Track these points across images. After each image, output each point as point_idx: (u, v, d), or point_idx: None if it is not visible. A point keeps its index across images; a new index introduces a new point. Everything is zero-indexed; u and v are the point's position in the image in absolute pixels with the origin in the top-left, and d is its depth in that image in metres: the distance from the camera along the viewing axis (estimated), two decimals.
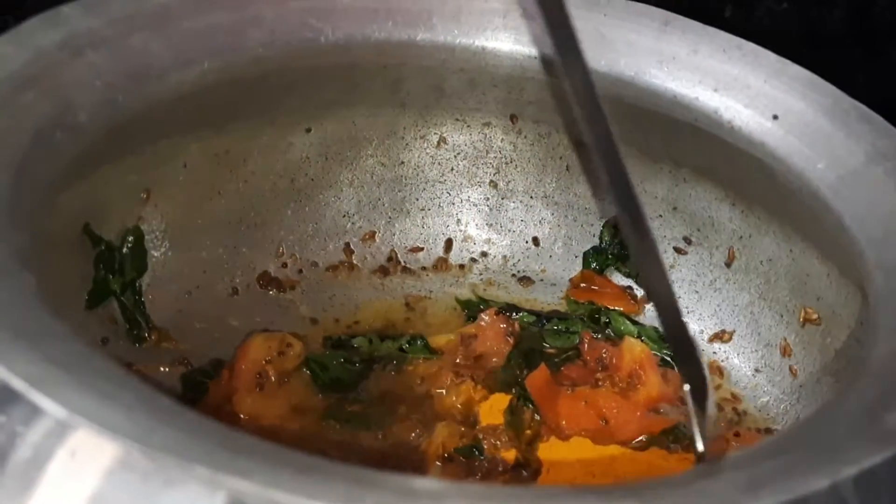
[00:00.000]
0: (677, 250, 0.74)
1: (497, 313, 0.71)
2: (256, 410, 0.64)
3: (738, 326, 0.72)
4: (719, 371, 0.71)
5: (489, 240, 0.77)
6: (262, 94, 0.68)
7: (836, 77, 0.67)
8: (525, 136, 0.76)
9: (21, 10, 0.62)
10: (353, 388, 0.67)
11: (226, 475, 0.38)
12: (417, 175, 0.76)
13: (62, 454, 0.40)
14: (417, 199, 0.77)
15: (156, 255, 0.67)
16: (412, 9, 0.70)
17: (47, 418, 0.40)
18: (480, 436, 0.65)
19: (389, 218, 0.76)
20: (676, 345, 0.57)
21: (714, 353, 0.72)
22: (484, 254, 0.77)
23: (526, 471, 0.64)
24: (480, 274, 0.76)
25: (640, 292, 0.75)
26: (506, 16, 0.71)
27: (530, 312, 0.73)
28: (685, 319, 0.56)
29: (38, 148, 0.53)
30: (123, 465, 0.40)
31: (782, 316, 0.69)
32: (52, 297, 0.46)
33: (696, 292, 0.73)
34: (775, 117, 0.66)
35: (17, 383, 0.40)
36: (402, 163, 0.76)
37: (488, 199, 0.77)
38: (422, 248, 0.77)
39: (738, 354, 0.72)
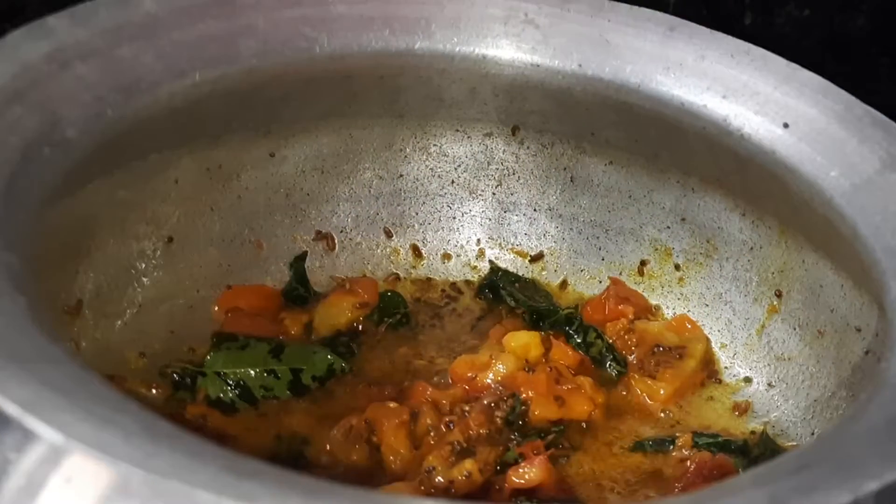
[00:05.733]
0: (676, 266, 0.74)
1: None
2: None
3: (749, 339, 0.71)
4: (729, 386, 0.70)
5: (491, 254, 0.76)
6: (255, 106, 0.67)
7: (860, 86, 0.66)
8: (527, 147, 0.75)
9: (22, 16, 0.62)
10: None
11: (230, 500, 0.38)
12: (417, 188, 0.76)
13: (57, 481, 0.40)
14: (417, 214, 0.76)
15: (147, 276, 0.66)
16: (410, 16, 0.69)
17: (41, 444, 0.40)
18: None
19: (388, 233, 0.75)
20: None
21: (726, 367, 0.71)
22: (486, 268, 0.76)
23: None
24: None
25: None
26: (506, 22, 0.70)
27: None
28: None
29: (25, 165, 0.53)
30: (121, 492, 0.39)
31: (795, 329, 0.68)
32: (43, 319, 0.46)
33: (706, 305, 0.73)
34: (786, 125, 0.66)
35: (11, 408, 0.40)
36: (401, 175, 0.75)
37: (490, 212, 0.76)
38: (422, 263, 0.76)
39: (750, 369, 0.70)
